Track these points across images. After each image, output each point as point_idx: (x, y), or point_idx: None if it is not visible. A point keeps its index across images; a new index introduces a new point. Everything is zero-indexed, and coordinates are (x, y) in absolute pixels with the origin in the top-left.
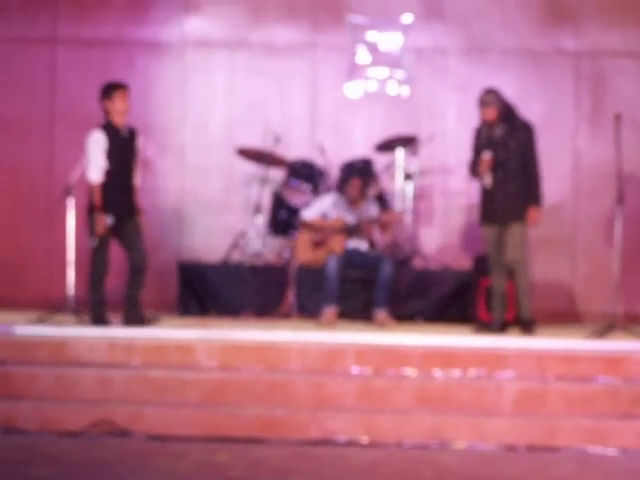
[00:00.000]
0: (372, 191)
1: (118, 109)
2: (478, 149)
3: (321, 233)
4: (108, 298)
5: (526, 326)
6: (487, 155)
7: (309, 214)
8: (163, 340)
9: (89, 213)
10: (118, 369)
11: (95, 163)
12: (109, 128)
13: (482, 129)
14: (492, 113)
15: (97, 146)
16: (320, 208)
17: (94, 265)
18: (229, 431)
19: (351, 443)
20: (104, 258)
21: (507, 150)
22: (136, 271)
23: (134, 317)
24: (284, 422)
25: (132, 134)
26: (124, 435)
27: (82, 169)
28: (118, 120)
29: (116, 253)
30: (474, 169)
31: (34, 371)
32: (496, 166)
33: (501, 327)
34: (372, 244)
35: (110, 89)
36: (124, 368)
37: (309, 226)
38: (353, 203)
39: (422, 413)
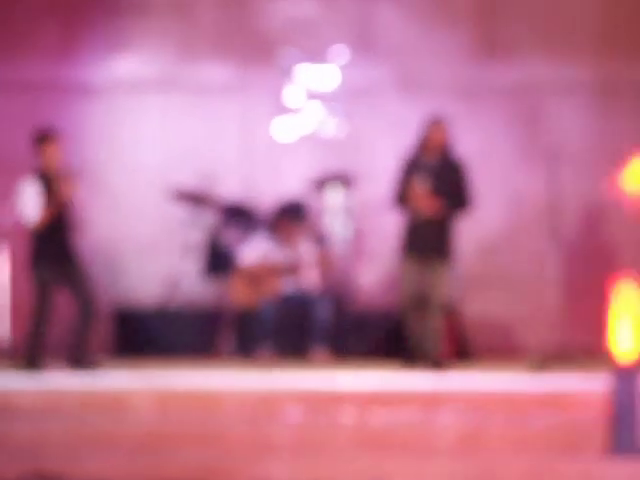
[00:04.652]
0: (305, 231)
1: (50, 157)
2: (409, 175)
3: (256, 275)
4: (48, 345)
5: (435, 364)
6: (423, 182)
7: (244, 256)
8: (96, 388)
9: (33, 262)
10: (51, 418)
11: (31, 207)
12: (42, 175)
13: (417, 157)
14: (444, 133)
15: (31, 194)
16: (255, 249)
17: (37, 310)
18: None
19: None
20: (47, 304)
21: (442, 181)
22: (84, 311)
23: (78, 359)
24: (220, 470)
25: (65, 179)
26: None
27: (15, 215)
28: (51, 166)
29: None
30: (402, 195)
31: None
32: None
33: (434, 364)
34: (309, 284)
35: (42, 138)
36: (57, 417)
37: (244, 269)
38: (287, 244)
39: (361, 456)
